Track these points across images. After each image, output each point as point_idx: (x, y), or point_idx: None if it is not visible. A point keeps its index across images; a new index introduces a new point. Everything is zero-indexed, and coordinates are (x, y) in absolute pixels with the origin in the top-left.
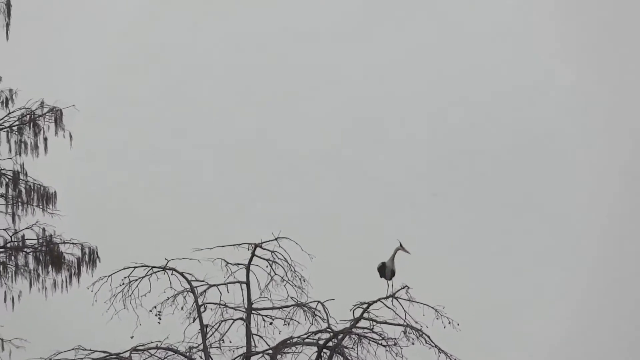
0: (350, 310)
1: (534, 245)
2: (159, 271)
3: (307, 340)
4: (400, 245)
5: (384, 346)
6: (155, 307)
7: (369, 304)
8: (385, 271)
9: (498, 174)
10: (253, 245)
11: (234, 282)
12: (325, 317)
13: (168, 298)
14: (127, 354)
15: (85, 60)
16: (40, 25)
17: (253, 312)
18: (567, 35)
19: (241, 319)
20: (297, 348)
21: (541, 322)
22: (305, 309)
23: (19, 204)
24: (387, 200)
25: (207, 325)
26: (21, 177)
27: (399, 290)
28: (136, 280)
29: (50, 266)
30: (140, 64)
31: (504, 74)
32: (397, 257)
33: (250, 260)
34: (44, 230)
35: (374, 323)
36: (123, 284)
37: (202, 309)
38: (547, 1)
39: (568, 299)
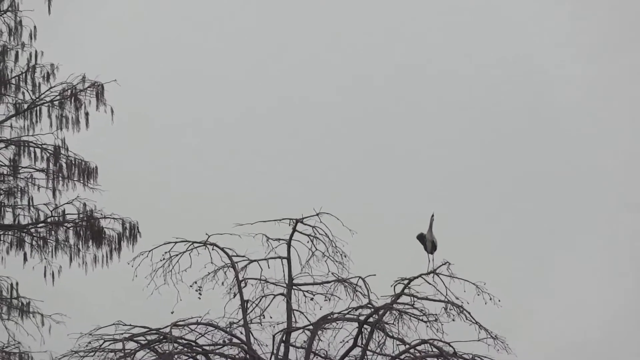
0: (391, 286)
1: (582, 223)
2: (199, 246)
3: (347, 316)
4: (432, 216)
5: (425, 322)
6: (195, 283)
7: (410, 280)
8: (425, 243)
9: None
10: (294, 221)
11: (274, 258)
12: (366, 293)
13: (208, 273)
14: (167, 329)
15: (125, 35)
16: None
17: (294, 287)
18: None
19: (282, 294)
20: (337, 324)
21: (589, 298)
22: (346, 284)
23: (60, 178)
24: (428, 175)
25: (247, 301)
26: (62, 151)
27: (440, 266)
28: (177, 255)
29: (90, 241)
30: (181, 38)
31: None
32: (436, 230)
33: (291, 235)
34: (84, 205)
35: (415, 299)
36: (163, 259)
37: (242, 284)
38: None
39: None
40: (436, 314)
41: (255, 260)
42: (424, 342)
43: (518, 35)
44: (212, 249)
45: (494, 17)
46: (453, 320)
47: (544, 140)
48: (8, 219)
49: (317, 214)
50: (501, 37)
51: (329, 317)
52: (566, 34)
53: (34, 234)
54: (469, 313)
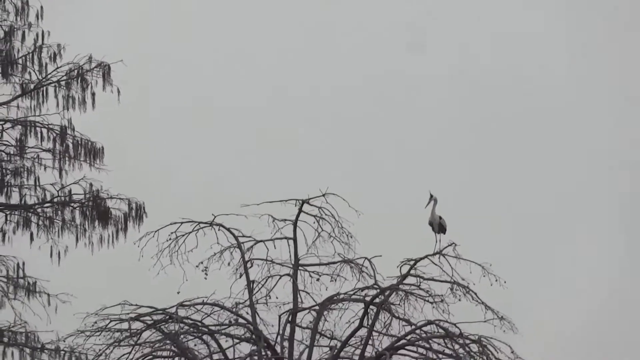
0: (397, 267)
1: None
2: (205, 227)
3: (353, 296)
4: (431, 197)
5: (431, 303)
6: (201, 263)
7: (416, 261)
8: (432, 225)
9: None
10: (300, 202)
11: (280, 238)
12: (372, 274)
13: (215, 254)
14: (173, 309)
15: (131, 16)
16: None
17: (300, 268)
18: None
19: (288, 275)
20: (343, 304)
21: (590, 279)
22: (352, 265)
23: (66, 159)
24: (433, 154)
25: (253, 281)
26: (68, 132)
27: (446, 247)
28: (183, 235)
29: (97, 221)
30: (186, 19)
31: None
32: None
33: (298, 216)
34: (91, 185)
35: (421, 280)
36: (170, 239)
37: (248, 264)
38: None
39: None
40: (442, 295)
41: (261, 241)
42: (429, 322)
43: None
44: (219, 230)
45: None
46: (459, 300)
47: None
48: (15, 198)
49: (324, 195)
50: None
51: (335, 298)
52: None
53: (40, 214)
54: (475, 294)
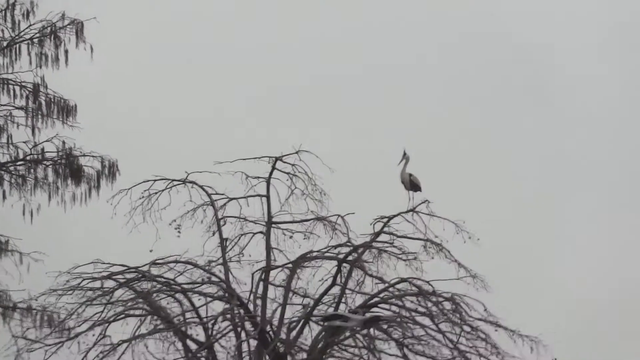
0: (371, 224)
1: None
2: (179, 184)
3: (326, 254)
4: (404, 154)
5: (404, 260)
6: (174, 221)
7: (389, 218)
8: (404, 183)
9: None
10: (273, 159)
11: (254, 196)
12: (345, 231)
13: (188, 212)
14: (146, 267)
15: None
16: None
17: (273, 225)
18: None
19: (261, 232)
20: (316, 262)
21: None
22: (325, 222)
23: (39, 116)
24: (410, 113)
25: (226, 239)
26: (41, 89)
27: (419, 204)
28: (156, 193)
29: (69, 179)
30: None
31: None
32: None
33: (271, 173)
34: (63, 143)
35: (394, 237)
36: (143, 197)
37: (221, 222)
38: None
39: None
40: (415, 253)
41: (234, 199)
42: (402, 280)
43: None
44: (192, 187)
45: None
46: (432, 258)
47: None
48: None
49: (297, 152)
50: None
51: (308, 256)
52: None
53: (12, 172)
54: (449, 251)
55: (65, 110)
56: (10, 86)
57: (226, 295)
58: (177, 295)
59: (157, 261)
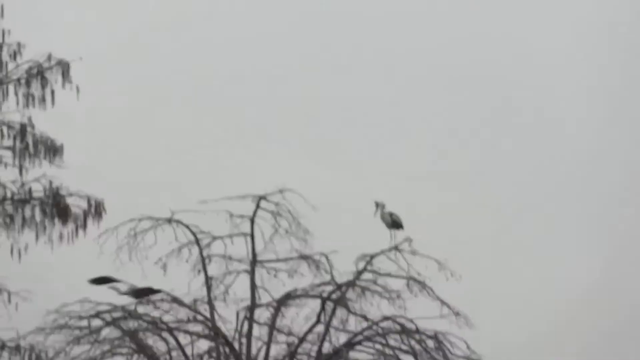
0: (354, 262)
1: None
2: (164, 223)
3: (310, 293)
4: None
5: (387, 298)
6: (160, 260)
7: (372, 257)
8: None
9: None
10: (258, 198)
11: (238, 235)
12: (329, 270)
13: (173, 250)
14: (132, 307)
15: (91, 12)
16: None
17: (257, 264)
18: None
19: (246, 271)
20: (300, 300)
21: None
22: (309, 261)
23: (27, 156)
24: (397, 151)
25: (211, 278)
26: (28, 129)
27: (401, 242)
28: (142, 232)
29: (56, 218)
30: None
31: None
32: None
33: (255, 212)
34: (50, 182)
35: (377, 275)
36: (129, 236)
37: (206, 261)
38: None
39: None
40: (398, 291)
41: (219, 237)
42: (386, 318)
43: None
44: (177, 226)
45: None
46: (416, 296)
47: None
48: None
49: (280, 191)
50: None
51: (292, 294)
52: None
53: (0, 212)
54: (432, 289)
55: (52, 150)
56: None
57: (211, 333)
58: (163, 333)
59: (143, 300)
